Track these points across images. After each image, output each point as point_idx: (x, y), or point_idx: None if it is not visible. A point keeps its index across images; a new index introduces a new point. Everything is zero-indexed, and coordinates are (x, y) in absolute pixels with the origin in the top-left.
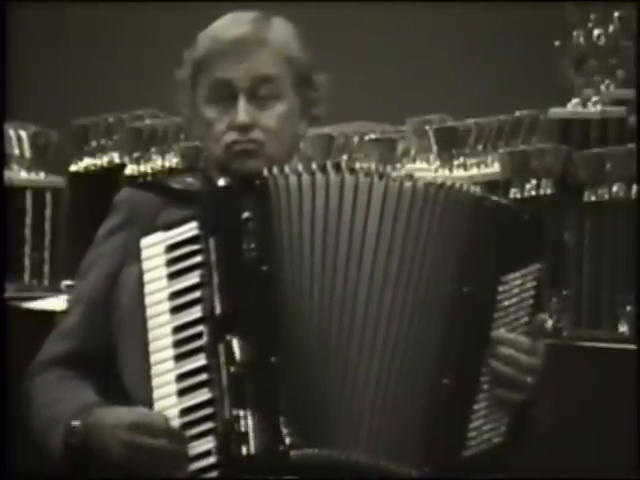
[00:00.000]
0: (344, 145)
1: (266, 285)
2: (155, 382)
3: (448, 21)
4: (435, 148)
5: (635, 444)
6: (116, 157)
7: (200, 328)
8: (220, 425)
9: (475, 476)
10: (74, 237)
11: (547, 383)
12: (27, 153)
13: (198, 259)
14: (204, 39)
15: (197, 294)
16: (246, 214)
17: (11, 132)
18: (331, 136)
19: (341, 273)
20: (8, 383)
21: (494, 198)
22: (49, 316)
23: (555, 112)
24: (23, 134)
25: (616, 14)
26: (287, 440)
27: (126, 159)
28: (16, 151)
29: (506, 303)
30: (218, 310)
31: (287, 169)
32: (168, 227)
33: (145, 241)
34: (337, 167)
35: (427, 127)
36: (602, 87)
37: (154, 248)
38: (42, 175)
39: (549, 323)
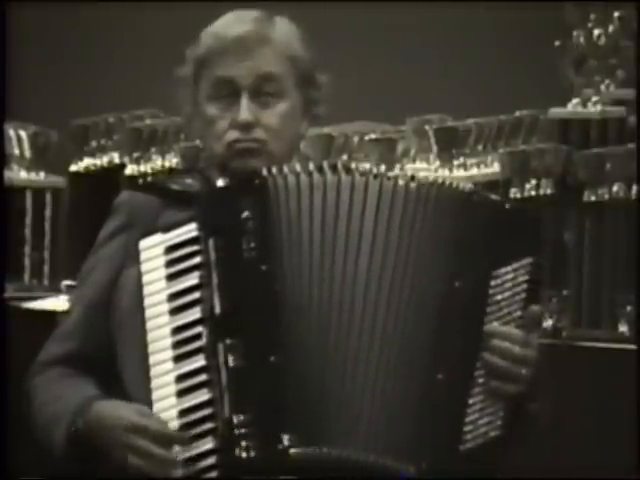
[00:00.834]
0: (344, 145)
1: (265, 285)
2: (154, 383)
3: (448, 21)
4: (435, 148)
5: (635, 444)
6: (116, 157)
7: (199, 329)
8: (220, 425)
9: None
10: (74, 237)
11: (543, 378)
12: (27, 153)
13: (197, 260)
14: (207, 37)
15: (196, 295)
16: (245, 214)
17: (11, 132)
18: (331, 136)
19: (339, 272)
20: (8, 383)
21: (484, 194)
22: (49, 316)
23: (555, 112)
24: (23, 134)
25: (616, 14)
26: (287, 439)
27: (126, 159)
28: (16, 151)
29: (499, 297)
30: (218, 310)
31: (285, 169)
32: (167, 229)
33: (144, 243)
34: (334, 167)
35: (427, 127)
36: (602, 87)
37: (153, 249)
38: (42, 175)
39: (549, 323)
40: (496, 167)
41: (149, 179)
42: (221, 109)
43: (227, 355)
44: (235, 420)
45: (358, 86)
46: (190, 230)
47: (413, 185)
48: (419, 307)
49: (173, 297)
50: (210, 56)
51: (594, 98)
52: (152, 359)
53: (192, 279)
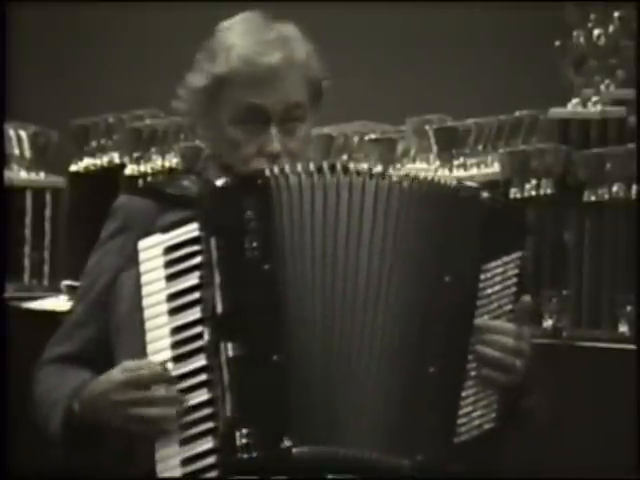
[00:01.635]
0: (344, 145)
1: (268, 284)
2: None
3: (448, 21)
4: (435, 148)
5: (635, 444)
6: (116, 157)
7: (199, 329)
8: (221, 425)
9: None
10: (74, 237)
11: (538, 373)
12: (27, 153)
13: (197, 260)
14: (232, 57)
15: (196, 295)
16: (248, 213)
17: (11, 132)
18: (331, 136)
19: (340, 272)
20: (8, 383)
21: (471, 189)
22: (49, 316)
23: (555, 112)
24: (23, 134)
25: (616, 14)
26: (289, 439)
27: (126, 159)
28: (16, 151)
29: (489, 291)
30: (220, 309)
31: (287, 169)
32: (166, 229)
33: (143, 243)
34: (332, 167)
35: (427, 127)
36: (602, 87)
37: (152, 250)
38: (42, 175)
39: (549, 323)
40: (496, 167)
41: (148, 181)
42: (247, 134)
43: (229, 354)
44: (237, 419)
45: (358, 86)
46: (191, 230)
47: (404, 183)
48: (410, 303)
49: (172, 297)
50: (236, 78)
51: (594, 98)
52: (151, 359)
53: (192, 279)
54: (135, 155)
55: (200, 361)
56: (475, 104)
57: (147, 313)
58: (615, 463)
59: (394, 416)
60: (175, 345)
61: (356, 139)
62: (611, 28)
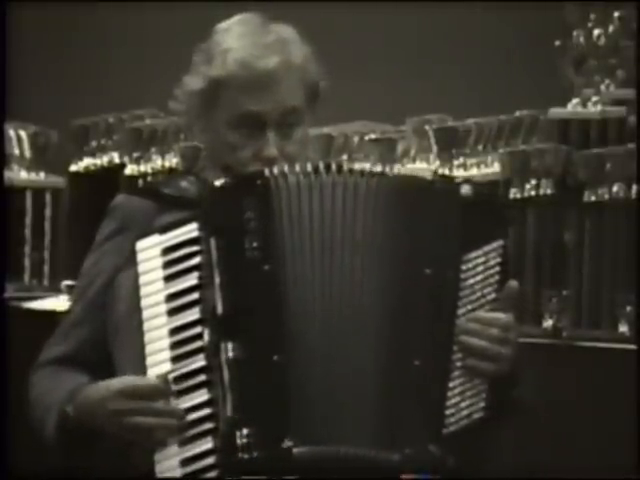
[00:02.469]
0: (344, 145)
1: (268, 284)
2: None
3: (448, 21)
4: (435, 148)
5: (635, 444)
6: (116, 157)
7: (198, 329)
8: (221, 425)
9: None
10: (74, 237)
11: (525, 362)
12: (27, 153)
13: (196, 260)
14: (229, 61)
15: (195, 295)
16: (248, 214)
17: (11, 132)
18: (331, 136)
19: (337, 271)
20: (8, 383)
21: (448, 180)
22: (49, 316)
23: (555, 112)
24: (23, 134)
25: (616, 14)
26: (290, 439)
27: (126, 159)
28: (16, 151)
29: (471, 281)
30: (220, 310)
31: (286, 169)
32: (165, 230)
33: (141, 244)
34: (328, 167)
35: (427, 127)
36: (602, 87)
37: (150, 251)
38: (42, 175)
39: (549, 323)
40: (496, 167)
41: (146, 181)
42: (244, 138)
43: (229, 355)
44: (237, 419)
45: (358, 86)
46: (190, 230)
47: (374, 179)
48: (393, 298)
49: (171, 298)
50: (232, 81)
51: (594, 98)
52: (149, 360)
53: (191, 280)
54: (135, 155)
55: (199, 362)
56: (475, 104)
57: (146, 314)
58: (615, 463)
59: (382, 411)
60: (174, 346)
61: (356, 139)
62: (611, 28)
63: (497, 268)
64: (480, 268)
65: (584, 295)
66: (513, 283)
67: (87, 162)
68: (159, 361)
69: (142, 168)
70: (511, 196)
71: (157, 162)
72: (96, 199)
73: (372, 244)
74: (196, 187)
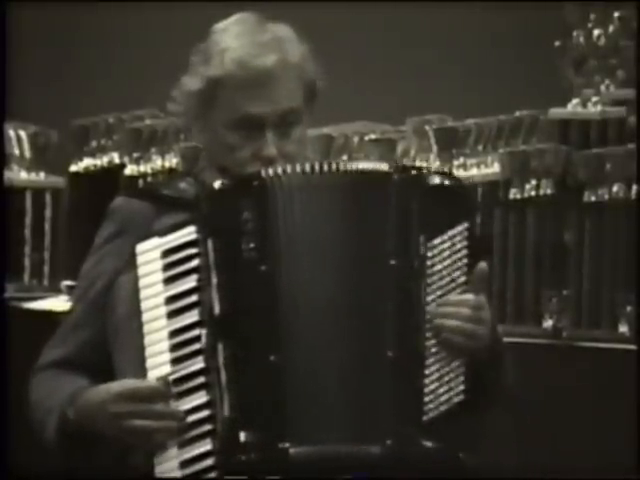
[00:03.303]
0: (344, 145)
1: (265, 285)
2: None
3: (448, 21)
4: (435, 148)
5: (635, 444)
6: (116, 157)
7: (197, 331)
8: (219, 426)
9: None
10: (74, 237)
11: (501, 343)
12: (27, 153)
13: (195, 263)
14: (226, 60)
15: (194, 298)
16: (245, 215)
17: (11, 132)
18: (331, 136)
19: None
20: (8, 383)
21: (405, 169)
22: (49, 316)
23: (555, 112)
24: (23, 134)
25: (616, 14)
26: (287, 439)
27: (126, 159)
28: (16, 151)
29: (439, 267)
30: (217, 311)
31: (282, 170)
32: (164, 232)
33: (140, 247)
34: (321, 167)
35: (427, 127)
36: (602, 87)
37: (150, 253)
38: (42, 175)
39: (549, 323)
40: (496, 167)
41: (144, 183)
42: (242, 138)
43: (227, 356)
44: (235, 420)
45: (358, 86)
46: (189, 233)
47: (334, 177)
48: (363, 292)
49: (171, 300)
50: (230, 81)
51: (594, 98)
52: (149, 362)
53: (190, 282)
54: (135, 155)
55: (198, 363)
56: (475, 104)
57: (145, 316)
58: (615, 463)
59: (361, 406)
60: (174, 348)
61: (356, 139)
62: (611, 28)
63: (464, 251)
64: (447, 253)
65: (584, 295)
66: (482, 265)
67: (87, 162)
68: (159, 363)
69: (142, 168)
70: (511, 196)
71: (157, 162)
72: (96, 199)
73: (336, 242)
74: (194, 189)
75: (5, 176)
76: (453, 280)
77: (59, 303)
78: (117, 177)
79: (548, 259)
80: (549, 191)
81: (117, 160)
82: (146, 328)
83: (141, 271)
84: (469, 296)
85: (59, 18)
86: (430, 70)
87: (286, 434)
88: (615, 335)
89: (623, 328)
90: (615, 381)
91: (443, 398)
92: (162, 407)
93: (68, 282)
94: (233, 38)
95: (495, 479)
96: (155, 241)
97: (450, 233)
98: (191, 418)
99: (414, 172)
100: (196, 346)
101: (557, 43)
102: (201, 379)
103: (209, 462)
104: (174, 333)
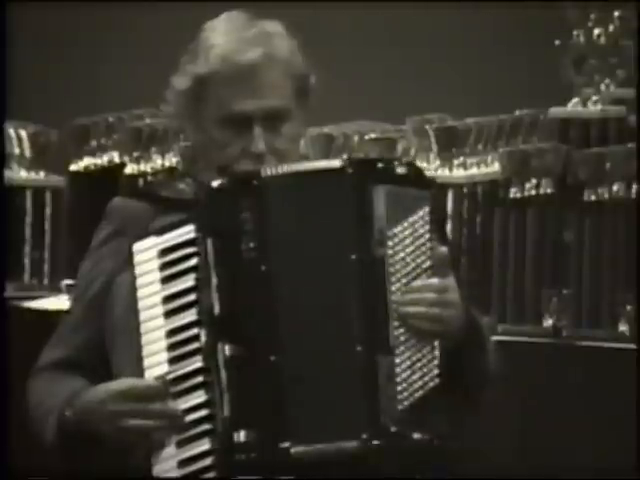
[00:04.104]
0: (344, 145)
1: (265, 285)
2: None
3: (448, 21)
4: (435, 147)
5: (635, 444)
6: (116, 157)
7: (195, 331)
8: (219, 426)
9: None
10: (74, 236)
11: (479, 325)
12: (27, 153)
13: (193, 262)
14: (212, 57)
15: (192, 297)
16: (244, 214)
17: (11, 132)
18: (331, 136)
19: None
20: (8, 383)
21: (356, 163)
22: (49, 316)
23: (555, 111)
24: (23, 134)
25: (616, 14)
26: (287, 438)
27: (126, 159)
28: (16, 151)
29: (401, 255)
30: (217, 311)
31: (281, 169)
32: (161, 231)
33: (137, 246)
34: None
35: (427, 127)
36: (602, 86)
37: (147, 253)
38: (42, 175)
39: (549, 323)
40: (496, 167)
41: (143, 184)
42: (231, 135)
43: (226, 355)
44: (235, 420)
45: (358, 86)
46: (187, 232)
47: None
48: (326, 289)
49: (168, 300)
50: (216, 77)
51: (594, 98)
52: (147, 362)
53: (188, 281)
54: (135, 154)
55: (197, 363)
56: (475, 104)
57: (143, 316)
58: (615, 463)
59: (338, 403)
60: (171, 347)
61: (356, 139)
62: (611, 28)
63: (427, 236)
64: (408, 240)
65: (584, 294)
66: (441, 248)
67: (87, 162)
68: (157, 363)
69: (142, 168)
70: (511, 195)
71: (157, 162)
72: (96, 199)
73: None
74: (193, 188)
75: (5, 175)
76: (418, 266)
77: (59, 303)
78: (117, 176)
79: (548, 258)
80: (549, 190)
81: (117, 159)
82: (143, 327)
83: (138, 270)
84: (433, 280)
85: (59, 18)
86: (430, 70)
87: (286, 434)
88: (615, 334)
89: (623, 327)
90: (615, 380)
91: (417, 385)
92: (160, 406)
93: (68, 281)
94: (219, 35)
95: (495, 479)
96: (152, 240)
97: (410, 219)
98: (189, 417)
99: (368, 164)
100: (194, 345)
101: (557, 42)
102: (199, 378)
103: (208, 461)
104: (172, 332)
